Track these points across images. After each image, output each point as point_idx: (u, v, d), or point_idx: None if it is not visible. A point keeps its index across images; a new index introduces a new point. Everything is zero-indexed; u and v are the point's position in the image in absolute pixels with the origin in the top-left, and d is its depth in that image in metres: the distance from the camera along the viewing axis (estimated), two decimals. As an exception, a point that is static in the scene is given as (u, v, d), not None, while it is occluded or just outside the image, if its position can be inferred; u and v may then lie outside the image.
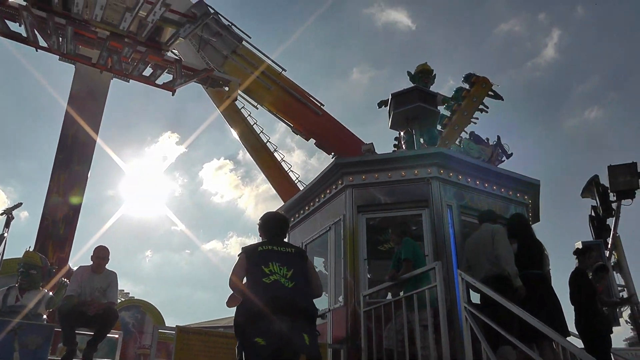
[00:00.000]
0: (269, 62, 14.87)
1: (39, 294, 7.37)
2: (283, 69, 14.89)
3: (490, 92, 15.52)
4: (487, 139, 15.14)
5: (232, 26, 14.48)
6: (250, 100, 15.22)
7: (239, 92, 14.66)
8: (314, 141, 15.88)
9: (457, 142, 15.61)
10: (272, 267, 4.07)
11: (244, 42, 14.76)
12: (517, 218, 7.65)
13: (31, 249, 9.11)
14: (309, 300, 4.08)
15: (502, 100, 15.71)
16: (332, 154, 15.71)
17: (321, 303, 8.46)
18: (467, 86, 15.54)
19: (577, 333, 7.63)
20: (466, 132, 15.69)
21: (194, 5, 13.57)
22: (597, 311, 7.74)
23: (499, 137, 15.06)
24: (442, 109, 15.41)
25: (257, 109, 15.26)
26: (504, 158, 15.38)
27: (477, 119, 15.67)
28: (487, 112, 15.73)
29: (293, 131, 15.84)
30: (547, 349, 6.51)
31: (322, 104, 15.26)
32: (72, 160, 12.44)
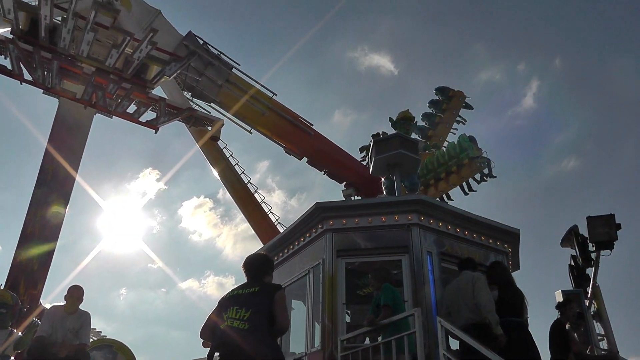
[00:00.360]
0: (260, 87, 15.06)
1: (7, 334, 7.15)
2: (274, 94, 15.07)
3: (463, 104, 16.31)
4: (481, 149, 15.59)
5: (222, 55, 14.64)
6: (244, 125, 15.31)
7: (233, 117, 14.81)
8: (307, 160, 15.98)
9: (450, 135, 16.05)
10: (230, 313, 4.19)
11: (234, 70, 14.90)
12: (498, 266, 7.65)
13: (2, 287, 8.90)
14: (261, 341, 4.06)
15: (472, 109, 16.49)
16: (324, 171, 15.82)
17: (298, 346, 8.34)
18: (439, 98, 16.17)
19: None
20: (448, 142, 16.24)
21: (184, 37, 13.70)
22: None
23: (490, 160, 15.48)
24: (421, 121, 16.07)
25: (251, 133, 15.40)
26: (488, 177, 15.71)
27: (456, 129, 16.30)
28: (464, 124, 16.41)
29: (286, 151, 16.02)
30: None
31: (311, 124, 15.45)
32: (51, 196, 12.26)
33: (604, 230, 11.46)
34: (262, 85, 15.09)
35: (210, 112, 14.29)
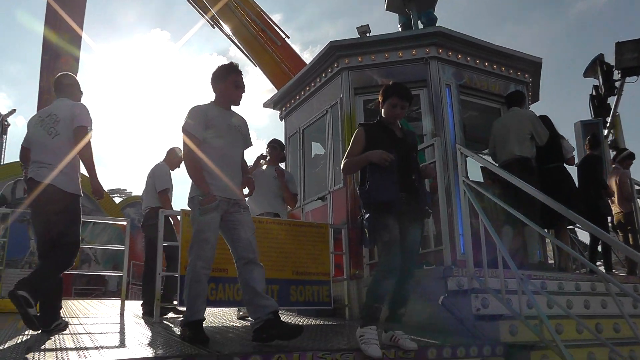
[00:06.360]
0: None
1: None
2: None
3: None
4: None
5: None
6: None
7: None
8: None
9: None
10: None
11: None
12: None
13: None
14: None
15: None
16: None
17: (321, 185, 8.57)
18: None
19: None
20: None
21: None
22: (601, 195, 8.14)
23: None
24: None
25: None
26: None
27: None
28: None
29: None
30: (564, 235, 7.10)
31: (287, 36, 16.00)
32: (58, 59, 12.11)
33: (633, 56, 11.09)
34: None
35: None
